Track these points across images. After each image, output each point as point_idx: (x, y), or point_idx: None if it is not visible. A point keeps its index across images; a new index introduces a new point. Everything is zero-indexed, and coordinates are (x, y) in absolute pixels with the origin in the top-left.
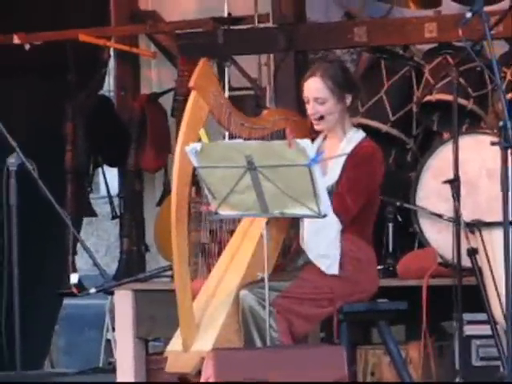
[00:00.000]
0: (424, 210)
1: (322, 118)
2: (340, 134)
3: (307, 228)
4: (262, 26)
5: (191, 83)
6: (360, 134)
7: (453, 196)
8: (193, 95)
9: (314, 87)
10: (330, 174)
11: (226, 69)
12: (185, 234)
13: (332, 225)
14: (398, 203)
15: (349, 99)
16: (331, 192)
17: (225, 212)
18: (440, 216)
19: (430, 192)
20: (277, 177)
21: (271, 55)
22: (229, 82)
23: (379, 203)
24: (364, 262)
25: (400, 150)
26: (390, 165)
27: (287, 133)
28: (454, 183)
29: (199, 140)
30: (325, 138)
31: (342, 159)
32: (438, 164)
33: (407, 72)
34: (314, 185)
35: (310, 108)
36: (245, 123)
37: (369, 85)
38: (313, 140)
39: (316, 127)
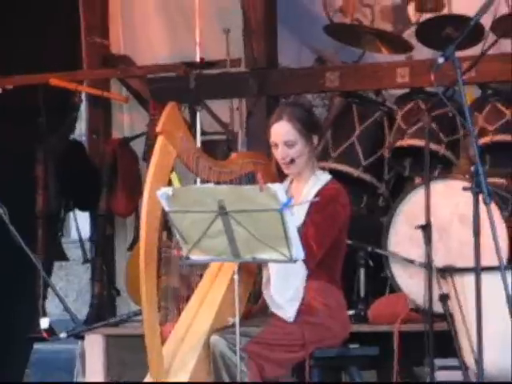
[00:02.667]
0: (396, 255)
1: (292, 161)
2: (307, 177)
3: (275, 273)
4: (234, 70)
5: (158, 128)
6: (326, 177)
7: (425, 241)
8: (160, 140)
9: (283, 131)
10: (295, 216)
11: (198, 113)
12: (154, 278)
13: (298, 270)
14: (369, 248)
15: (315, 140)
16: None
17: (196, 257)
18: (412, 262)
19: (402, 237)
20: (248, 221)
21: (243, 100)
22: (201, 126)
23: (346, 247)
24: (334, 308)
25: (372, 194)
26: (362, 209)
27: (258, 177)
28: (426, 228)
29: (170, 184)
30: (291, 182)
31: (305, 205)
32: (410, 209)
33: (379, 117)
34: (285, 229)
35: (280, 152)
36: (213, 167)
37: (341, 130)
38: (280, 182)
39: (286, 171)
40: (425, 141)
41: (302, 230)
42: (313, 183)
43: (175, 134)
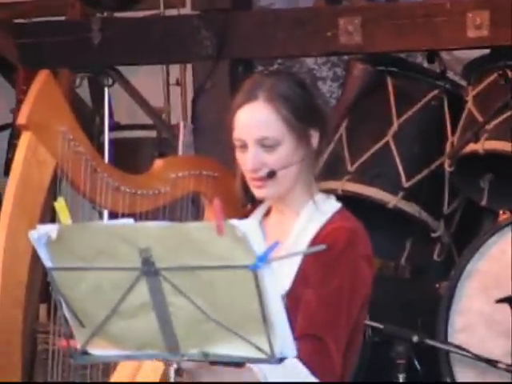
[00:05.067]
0: (463, 351)
1: (271, 175)
2: (299, 204)
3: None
4: (172, 13)
5: (21, 118)
6: (331, 205)
7: None
8: (25, 139)
9: (257, 119)
10: (277, 278)
11: (106, 90)
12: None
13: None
14: (414, 338)
15: (315, 138)
16: None
17: (99, 350)
18: (493, 363)
19: (475, 317)
20: (196, 288)
21: (188, 67)
22: (111, 114)
23: (363, 332)
24: None
25: (420, 240)
26: (403, 267)
27: (214, 206)
28: None
29: (54, 219)
30: (268, 213)
31: (297, 256)
32: (490, 268)
33: (435, 99)
34: (262, 303)
35: (250, 159)
36: (123, 186)
37: (365, 121)
38: (246, 216)
39: (257, 193)
40: None
41: (302, 316)
42: (308, 216)
43: (53, 129)
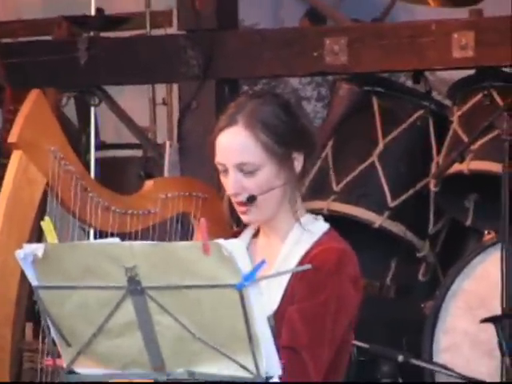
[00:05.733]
0: (448, 370)
1: (251, 200)
2: (286, 227)
3: None
4: (158, 32)
5: (13, 137)
6: (319, 226)
7: (500, 346)
8: (16, 157)
9: (236, 144)
10: (265, 299)
11: (93, 110)
12: None
13: None
14: (400, 357)
15: (299, 161)
16: None
17: (85, 369)
18: (478, 383)
19: (460, 337)
20: (182, 307)
21: (174, 87)
22: (97, 133)
23: (351, 353)
24: None
25: (405, 260)
26: (388, 287)
27: (200, 225)
28: (502, 322)
29: (41, 238)
30: (256, 235)
31: (285, 277)
32: (475, 288)
33: (419, 119)
34: (248, 323)
35: (230, 183)
36: (113, 206)
37: (350, 142)
38: (235, 237)
39: (243, 218)
40: (503, 164)
41: (284, 331)
42: (296, 238)
43: (43, 148)
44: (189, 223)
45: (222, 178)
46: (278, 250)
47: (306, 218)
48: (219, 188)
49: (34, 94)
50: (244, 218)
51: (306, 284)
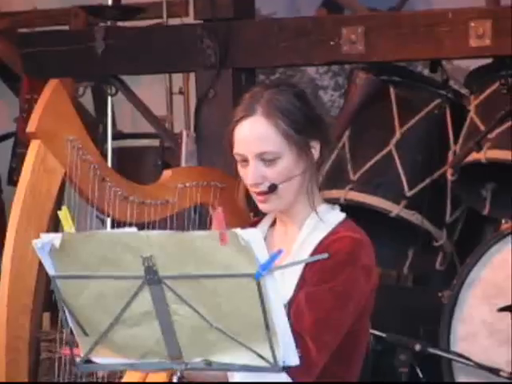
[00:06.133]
0: (466, 359)
1: (273, 189)
2: (302, 216)
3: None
4: (175, 22)
5: (31, 126)
6: (335, 216)
7: None
8: (35, 147)
9: (256, 135)
10: (280, 287)
11: (110, 99)
12: None
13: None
14: (417, 346)
15: (316, 149)
16: None
17: (102, 358)
18: (496, 371)
19: (477, 326)
20: (199, 296)
21: (191, 76)
22: (114, 123)
23: (369, 342)
24: None
25: (423, 249)
26: (405, 276)
27: (217, 215)
28: None
29: (58, 228)
30: (273, 224)
31: (300, 265)
32: (492, 276)
33: (437, 109)
34: (265, 312)
35: (251, 173)
36: (131, 196)
37: (367, 132)
38: (253, 226)
39: (262, 207)
40: None
41: (292, 316)
42: (312, 227)
43: (61, 137)
44: (207, 213)
45: (240, 169)
46: (294, 237)
47: (323, 208)
48: (236, 176)
49: (52, 84)
50: (263, 207)
51: (318, 271)
